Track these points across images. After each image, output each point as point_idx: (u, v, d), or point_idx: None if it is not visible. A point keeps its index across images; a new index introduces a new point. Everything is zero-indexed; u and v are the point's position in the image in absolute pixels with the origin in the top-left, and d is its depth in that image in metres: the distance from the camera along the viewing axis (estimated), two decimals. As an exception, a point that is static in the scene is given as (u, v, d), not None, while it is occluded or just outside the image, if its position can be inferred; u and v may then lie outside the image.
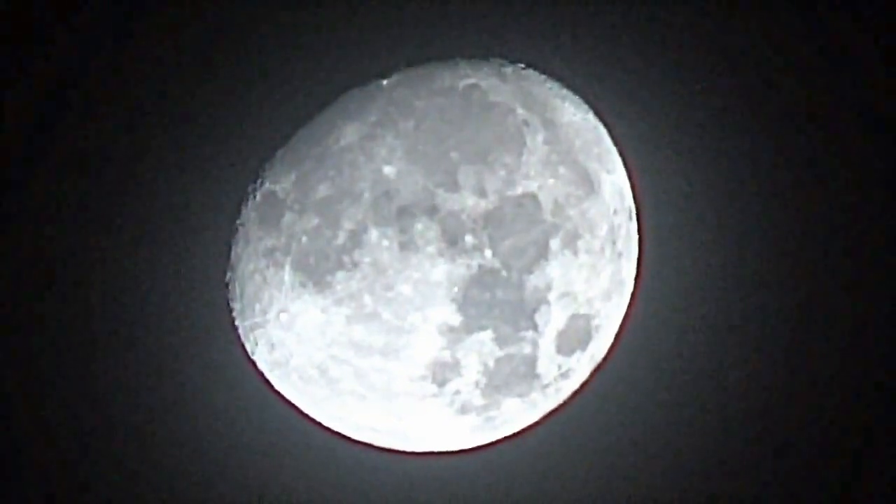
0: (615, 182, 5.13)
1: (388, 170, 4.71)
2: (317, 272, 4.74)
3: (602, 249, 4.95)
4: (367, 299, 4.68)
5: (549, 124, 4.94)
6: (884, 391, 5.83)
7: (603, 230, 4.95)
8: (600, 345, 5.17)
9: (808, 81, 5.73)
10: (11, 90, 5.47)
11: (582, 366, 5.12)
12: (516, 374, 4.87)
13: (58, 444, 5.65)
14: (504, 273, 4.70)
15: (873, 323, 5.81)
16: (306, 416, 5.28)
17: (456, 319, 4.70)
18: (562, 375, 5.02)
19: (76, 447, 5.65)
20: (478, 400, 4.91)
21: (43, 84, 5.48)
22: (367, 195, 4.69)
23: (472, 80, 4.95)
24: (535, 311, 4.77)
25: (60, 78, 5.48)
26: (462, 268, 4.66)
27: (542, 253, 4.75)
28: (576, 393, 5.27)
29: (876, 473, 5.84)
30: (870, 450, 5.85)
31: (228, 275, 5.13)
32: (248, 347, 5.15)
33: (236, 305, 5.11)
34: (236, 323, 5.16)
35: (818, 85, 5.73)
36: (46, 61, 5.47)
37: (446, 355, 4.77)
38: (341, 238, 4.70)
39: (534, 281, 4.74)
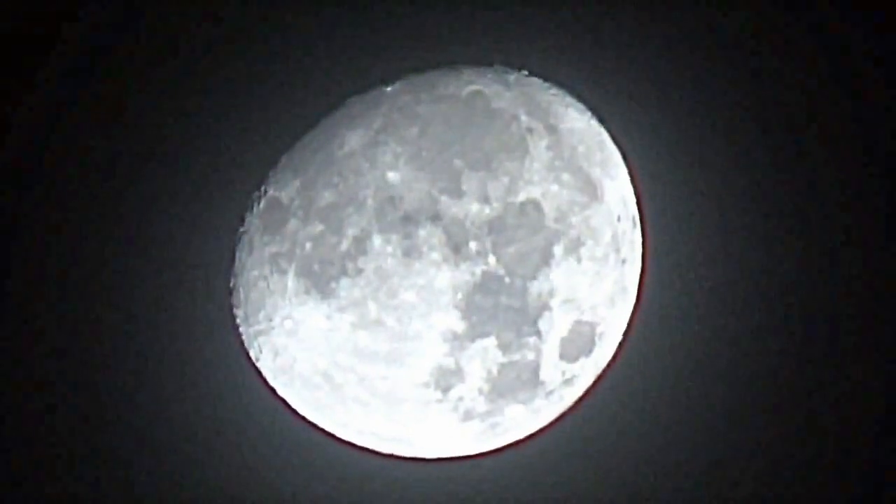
0: (618, 189, 5.13)
1: (391, 176, 4.72)
2: (321, 279, 4.74)
3: (605, 256, 4.94)
4: (371, 306, 4.69)
5: (553, 131, 4.95)
6: (887, 394, 5.83)
7: (606, 237, 4.95)
8: (604, 351, 5.17)
9: (812, 87, 5.73)
10: (14, 95, 5.49)
11: (586, 372, 5.11)
12: (520, 381, 4.86)
13: (60, 447, 5.66)
14: (507, 279, 4.70)
15: (876, 325, 5.81)
16: (310, 422, 5.28)
17: (459, 326, 4.70)
18: (565, 382, 5.01)
19: (78, 450, 5.66)
20: (481, 406, 4.91)
21: (46, 89, 5.50)
22: (370, 202, 4.70)
23: (475, 87, 4.96)
24: (538, 317, 4.77)
25: (63, 82, 5.49)
26: (466, 274, 4.66)
27: (546, 259, 4.75)
28: (579, 400, 5.26)
29: (877, 474, 5.83)
30: (871, 451, 5.84)
31: (232, 281, 5.14)
32: (252, 354, 5.15)
33: (240, 312, 5.12)
34: (240, 329, 5.16)
35: (821, 90, 5.73)
36: (50, 65, 5.49)
37: (450, 362, 4.76)
38: (345, 245, 4.71)
39: (537, 287, 4.74)
